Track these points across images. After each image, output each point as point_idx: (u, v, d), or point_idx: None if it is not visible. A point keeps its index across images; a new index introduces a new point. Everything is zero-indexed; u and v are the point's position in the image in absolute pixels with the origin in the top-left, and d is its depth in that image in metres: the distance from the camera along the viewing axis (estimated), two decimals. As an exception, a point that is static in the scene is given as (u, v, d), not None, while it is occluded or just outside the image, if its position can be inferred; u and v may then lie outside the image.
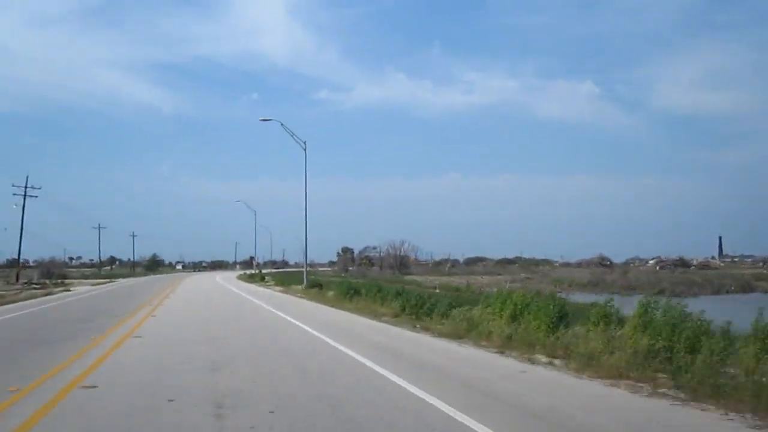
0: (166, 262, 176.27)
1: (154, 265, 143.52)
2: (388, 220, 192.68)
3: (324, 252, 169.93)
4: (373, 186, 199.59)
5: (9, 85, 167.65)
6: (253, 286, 52.95)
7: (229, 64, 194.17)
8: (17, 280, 56.10)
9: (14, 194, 61.84)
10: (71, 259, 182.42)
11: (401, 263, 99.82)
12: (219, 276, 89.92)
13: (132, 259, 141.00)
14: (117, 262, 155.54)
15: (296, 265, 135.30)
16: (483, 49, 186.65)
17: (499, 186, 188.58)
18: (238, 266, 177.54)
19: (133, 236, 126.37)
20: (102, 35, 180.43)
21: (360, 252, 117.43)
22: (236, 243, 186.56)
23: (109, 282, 64.09)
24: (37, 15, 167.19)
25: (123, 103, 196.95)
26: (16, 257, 65.56)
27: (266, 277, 69.15)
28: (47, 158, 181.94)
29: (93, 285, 55.58)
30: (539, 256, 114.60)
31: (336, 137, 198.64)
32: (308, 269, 46.21)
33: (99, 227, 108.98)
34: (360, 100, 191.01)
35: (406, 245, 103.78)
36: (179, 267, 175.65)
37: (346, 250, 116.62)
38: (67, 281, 59.68)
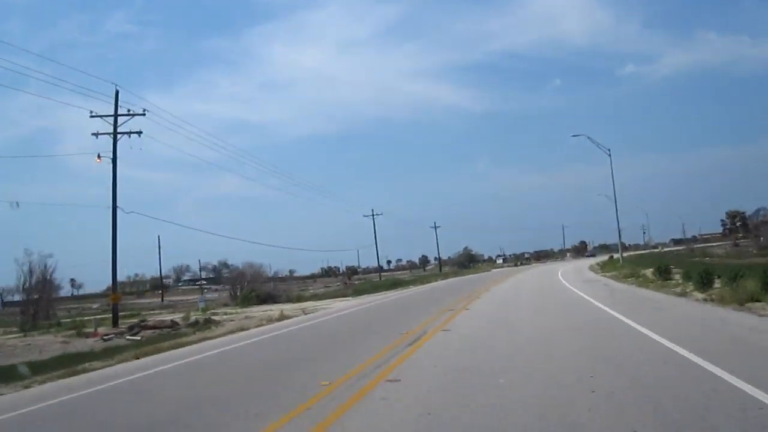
0: (485, 256, 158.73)
1: (466, 261, 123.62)
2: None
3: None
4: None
5: (330, 108, 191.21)
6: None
7: (528, 54, 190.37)
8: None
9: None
10: (388, 262, 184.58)
11: None
12: (560, 268, 62.29)
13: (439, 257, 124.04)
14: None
15: (635, 246, 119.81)
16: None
17: None
18: (568, 254, 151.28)
19: (435, 227, 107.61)
20: (405, 49, 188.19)
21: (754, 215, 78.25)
22: (563, 226, 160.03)
23: (382, 295, 42.44)
24: (346, 41, 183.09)
25: (433, 109, 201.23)
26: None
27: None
28: (371, 172, 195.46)
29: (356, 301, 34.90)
30: None
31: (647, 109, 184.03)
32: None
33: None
34: (668, 69, 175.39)
35: None
36: (499, 261, 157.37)
37: (735, 215, 78.00)
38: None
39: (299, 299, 44.30)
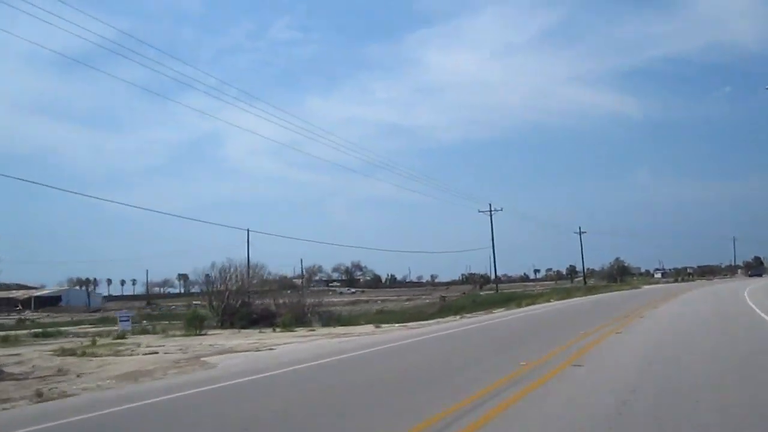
0: (641, 269, 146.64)
1: (618, 274, 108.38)
2: None
3: None
4: None
5: (489, 114, 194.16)
6: None
7: (695, 60, 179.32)
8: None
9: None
10: (536, 271, 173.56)
11: None
12: (741, 288, 48.71)
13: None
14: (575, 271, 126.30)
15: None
16: None
17: None
18: (739, 271, 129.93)
19: (580, 233, 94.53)
20: (563, 54, 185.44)
21: None
22: (734, 238, 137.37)
23: (465, 320, 32.85)
24: (503, 46, 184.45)
25: (589, 115, 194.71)
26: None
27: None
28: (519, 177, 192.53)
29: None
30: None
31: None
32: None
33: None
34: None
35: None
36: (658, 275, 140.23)
37: None
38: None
39: (331, 322, 30.96)
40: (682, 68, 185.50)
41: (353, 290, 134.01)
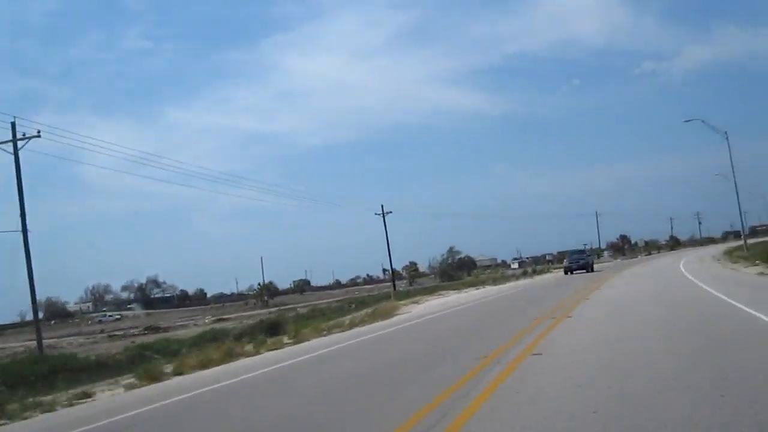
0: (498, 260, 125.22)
1: (454, 269, 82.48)
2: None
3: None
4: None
5: (351, 116, 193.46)
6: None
7: (545, 55, 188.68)
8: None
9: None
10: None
11: None
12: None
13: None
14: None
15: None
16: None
17: None
18: (605, 253, 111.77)
19: (383, 213, 66.12)
20: (420, 54, 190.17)
21: None
22: (596, 213, 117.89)
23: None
24: (361, 49, 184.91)
25: (451, 113, 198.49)
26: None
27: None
28: (385, 177, 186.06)
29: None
30: None
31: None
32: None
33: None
34: (687, 65, 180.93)
35: None
36: (515, 265, 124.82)
37: None
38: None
39: None
40: (534, 64, 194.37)
41: (118, 315, 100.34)
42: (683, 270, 31.28)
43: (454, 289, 44.56)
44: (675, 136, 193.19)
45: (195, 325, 67.67)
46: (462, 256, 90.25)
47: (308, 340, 18.47)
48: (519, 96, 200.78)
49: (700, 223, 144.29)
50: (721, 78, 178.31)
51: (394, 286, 71.73)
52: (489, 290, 37.91)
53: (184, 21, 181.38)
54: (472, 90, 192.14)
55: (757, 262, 33.86)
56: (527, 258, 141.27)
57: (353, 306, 45.42)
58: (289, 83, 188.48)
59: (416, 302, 33.31)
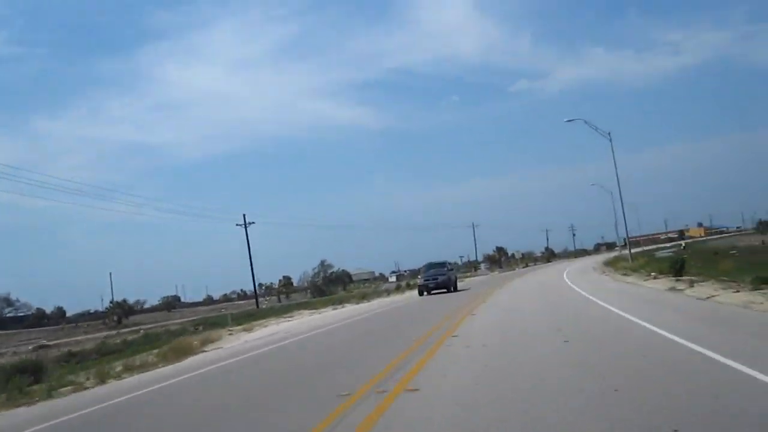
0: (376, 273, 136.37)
1: (326, 284, 75.27)
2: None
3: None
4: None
5: (230, 128, 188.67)
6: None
7: (425, 71, 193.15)
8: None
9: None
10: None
11: None
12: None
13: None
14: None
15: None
16: (683, 3, 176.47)
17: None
18: (482, 266, 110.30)
19: (245, 224, 58.03)
20: (300, 67, 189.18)
21: None
22: (473, 225, 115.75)
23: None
24: (240, 60, 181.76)
25: (331, 127, 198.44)
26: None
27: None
28: (264, 189, 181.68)
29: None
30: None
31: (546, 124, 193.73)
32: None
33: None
34: (560, 83, 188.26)
35: None
36: (392, 279, 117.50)
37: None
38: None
39: None
40: (414, 80, 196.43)
41: None
42: (576, 287, 26.11)
43: (312, 309, 37.34)
44: (550, 151, 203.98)
45: (15, 353, 56.24)
46: (335, 269, 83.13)
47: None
48: (399, 110, 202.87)
49: (574, 234, 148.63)
50: (588, 96, 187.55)
51: (257, 303, 64.07)
52: (345, 312, 30.99)
53: (57, 27, 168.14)
54: (352, 104, 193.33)
55: (652, 273, 29.95)
56: (405, 271, 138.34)
57: (200, 328, 37.57)
58: (167, 94, 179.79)
59: (249, 329, 25.71)
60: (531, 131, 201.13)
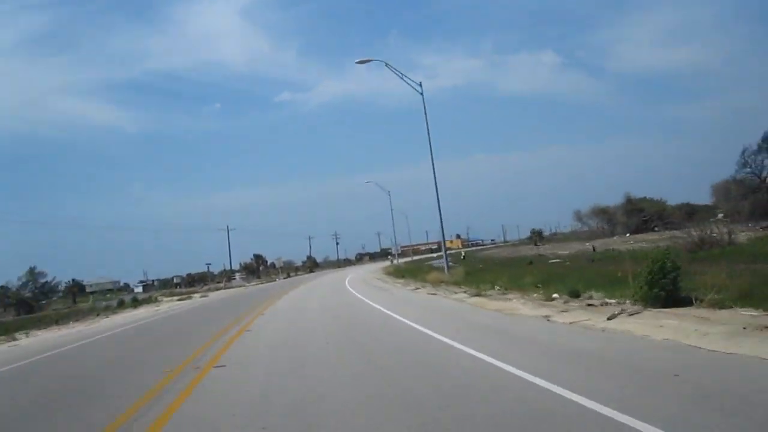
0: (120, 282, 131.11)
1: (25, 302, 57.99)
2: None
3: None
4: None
5: None
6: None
7: (188, 77, 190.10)
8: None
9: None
10: None
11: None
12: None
13: None
14: None
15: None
16: (440, 31, 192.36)
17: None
18: (233, 277, 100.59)
19: None
20: (53, 61, 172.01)
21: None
22: (309, 237, 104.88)
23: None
24: None
25: (82, 126, 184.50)
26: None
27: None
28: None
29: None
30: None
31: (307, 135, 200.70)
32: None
33: None
34: (323, 97, 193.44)
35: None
36: (138, 289, 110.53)
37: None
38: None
39: None
40: (176, 84, 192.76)
41: None
42: (378, 306, 17.73)
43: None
44: (309, 163, 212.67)
45: None
46: (49, 279, 65.12)
47: None
48: (157, 114, 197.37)
49: (338, 243, 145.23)
50: (349, 111, 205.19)
51: None
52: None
53: None
54: (109, 103, 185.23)
55: (463, 286, 23.21)
56: (155, 280, 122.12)
57: None
58: None
59: None
60: (293, 141, 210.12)
